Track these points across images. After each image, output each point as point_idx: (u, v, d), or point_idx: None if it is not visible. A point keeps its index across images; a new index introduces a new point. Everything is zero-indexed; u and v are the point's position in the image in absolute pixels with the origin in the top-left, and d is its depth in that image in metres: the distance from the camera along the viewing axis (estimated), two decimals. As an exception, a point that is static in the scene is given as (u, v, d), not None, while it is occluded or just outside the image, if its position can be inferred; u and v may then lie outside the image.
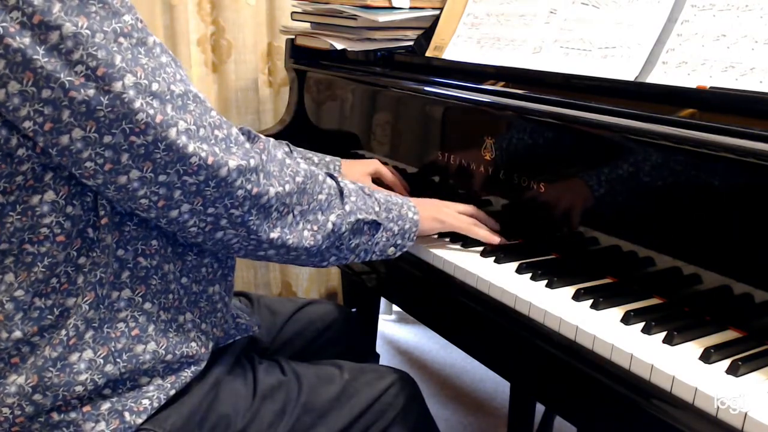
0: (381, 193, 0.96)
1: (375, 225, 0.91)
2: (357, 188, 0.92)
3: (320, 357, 1.03)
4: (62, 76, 0.64)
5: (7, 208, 0.70)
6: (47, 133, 0.66)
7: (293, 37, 1.61)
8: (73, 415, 0.75)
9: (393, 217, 0.94)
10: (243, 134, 0.80)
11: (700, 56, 0.89)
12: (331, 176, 0.91)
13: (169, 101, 0.69)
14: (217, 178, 0.73)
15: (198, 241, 0.79)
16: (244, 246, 0.81)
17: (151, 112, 0.68)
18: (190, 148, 0.70)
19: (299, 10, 1.59)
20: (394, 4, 1.38)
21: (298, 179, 0.82)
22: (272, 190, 0.78)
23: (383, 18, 1.37)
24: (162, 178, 0.71)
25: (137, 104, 0.67)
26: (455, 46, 1.27)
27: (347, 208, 0.88)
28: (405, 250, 0.97)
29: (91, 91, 0.65)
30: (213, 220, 0.76)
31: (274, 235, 0.80)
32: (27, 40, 0.62)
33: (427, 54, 1.32)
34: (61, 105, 0.65)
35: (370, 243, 0.92)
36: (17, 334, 0.72)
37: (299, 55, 1.60)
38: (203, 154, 0.71)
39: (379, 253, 0.94)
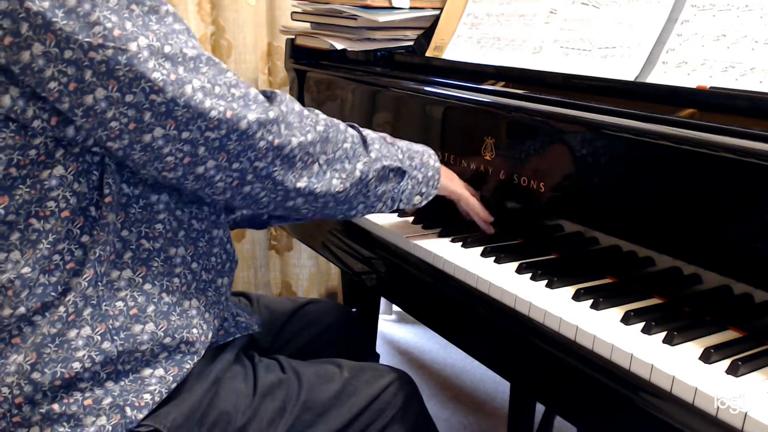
0: (402, 142, 0.98)
1: (400, 172, 0.94)
2: (379, 137, 0.94)
3: (320, 356, 1.03)
4: (81, 37, 0.67)
5: (18, 181, 0.72)
6: (72, 93, 0.69)
7: (293, 37, 1.61)
8: (74, 408, 0.75)
9: (416, 164, 0.96)
10: (263, 95, 0.82)
11: (700, 56, 0.89)
12: (352, 126, 0.93)
13: (181, 63, 0.72)
14: (238, 131, 0.75)
15: (227, 196, 0.81)
16: (272, 198, 0.83)
17: (164, 72, 0.71)
18: (207, 104, 0.73)
19: (299, 10, 1.59)
20: (394, 4, 1.38)
21: (320, 128, 0.84)
22: (294, 140, 0.80)
23: (383, 18, 1.37)
24: (185, 135, 0.73)
25: (151, 64, 0.70)
26: (455, 46, 1.27)
27: (372, 155, 0.90)
28: (430, 198, 0.99)
29: (110, 51, 0.68)
30: (239, 176, 0.78)
31: (301, 184, 0.83)
32: (46, 4, 0.65)
33: (427, 54, 1.32)
34: (82, 65, 0.68)
35: (396, 190, 0.94)
36: (21, 310, 0.73)
37: (299, 55, 1.60)
38: (221, 109, 0.74)
39: (406, 201, 0.96)
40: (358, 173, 0.88)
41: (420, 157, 0.98)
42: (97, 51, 0.67)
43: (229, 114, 0.74)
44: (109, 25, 0.67)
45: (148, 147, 0.73)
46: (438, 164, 1.00)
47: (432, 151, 1.01)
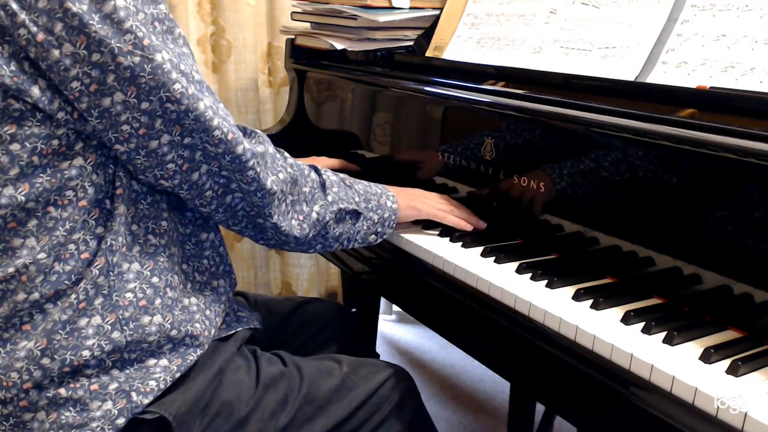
0: (361, 184, 1.01)
1: (356, 214, 0.98)
2: (338, 179, 0.98)
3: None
4: (113, 42, 0.70)
5: (39, 169, 0.73)
6: (92, 94, 0.71)
7: (293, 37, 1.61)
8: (80, 393, 0.76)
9: (372, 207, 1.00)
10: (240, 131, 0.85)
11: (700, 56, 0.89)
12: (315, 169, 0.96)
13: (192, 83, 0.76)
14: (233, 153, 0.80)
15: (211, 208, 0.85)
16: (247, 212, 0.86)
17: (183, 85, 0.75)
18: (215, 122, 0.78)
19: (299, 10, 1.59)
20: (394, 4, 1.38)
21: (290, 170, 0.90)
22: (272, 177, 0.86)
23: (383, 18, 1.37)
24: (187, 140, 0.78)
25: (174, 75, 0.74)
26: (455, 46, 1.27)
27: (329, 198, 0.95)
28: (385, 236, 1.04)
29: (137, 59, 0.71)
30: (225, 182, 0.83)
31: (274, 219, 0.87)
32: (85, 7, 0.69)
33: (427, 54, 1.32)
34: (107, 69, 0.71)
35: (351, 231, 0.98)
36: (35, 295, 0.75)
37: (299, 55, 1.60)
38: (225, 129, 0.79)
39: (361, 240, 1.01)
40: (314, 215, 0.92)
41: (377, 199, 1.01)
42: (126, 56, 0.70)
43: (230, 136, 0.79)
44: (140, 34, 0.71)
45: (152, 153, 0.76)
46: (395, 206, 1.03)
47: (391, 192, 1.04)
